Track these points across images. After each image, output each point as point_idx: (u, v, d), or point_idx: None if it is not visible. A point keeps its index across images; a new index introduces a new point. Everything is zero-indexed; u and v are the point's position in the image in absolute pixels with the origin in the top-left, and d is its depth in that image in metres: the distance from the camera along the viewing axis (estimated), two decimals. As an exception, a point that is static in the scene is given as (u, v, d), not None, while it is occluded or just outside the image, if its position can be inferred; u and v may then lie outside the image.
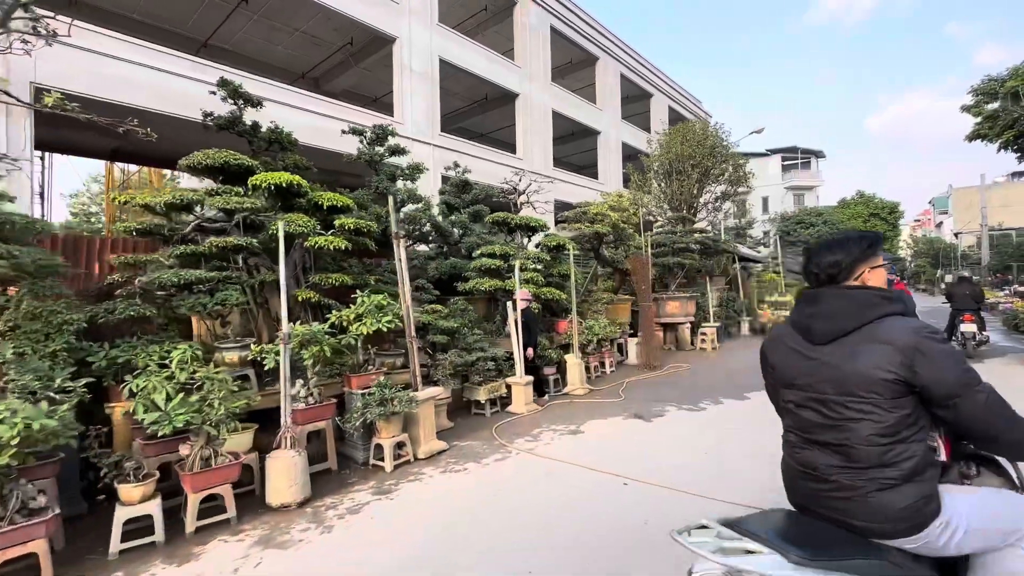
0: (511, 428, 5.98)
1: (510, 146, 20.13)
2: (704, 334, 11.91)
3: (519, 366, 6.72)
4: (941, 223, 58.03)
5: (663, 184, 14.60)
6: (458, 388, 6.65)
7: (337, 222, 5.50)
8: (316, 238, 5.17)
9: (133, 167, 19.52)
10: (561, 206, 10.48)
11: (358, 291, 5.22)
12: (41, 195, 14.87)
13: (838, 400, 1.59)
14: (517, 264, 7.02)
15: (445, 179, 11.58)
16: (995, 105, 24.46)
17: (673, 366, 9.73)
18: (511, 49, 19.65)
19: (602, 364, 9.28)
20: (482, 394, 6.38)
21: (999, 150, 24.51)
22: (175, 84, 10.38)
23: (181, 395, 3.57)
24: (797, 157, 43.59)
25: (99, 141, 13.12)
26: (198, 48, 15.75)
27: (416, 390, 5.13)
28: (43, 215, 14.58)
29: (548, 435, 5.67)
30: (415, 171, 9.00)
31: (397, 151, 8.82)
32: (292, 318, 5.36)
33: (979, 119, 24.89)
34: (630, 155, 25.24)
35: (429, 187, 12.04)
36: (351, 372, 5.13)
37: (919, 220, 71.53)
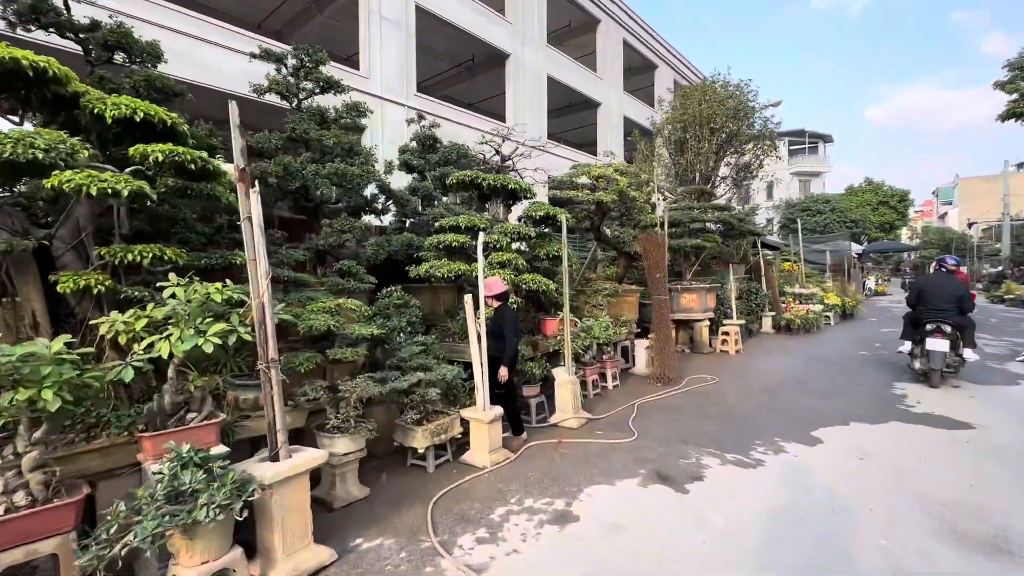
0: (461, 503, 3.62)
1: (501, 118, 17.54)
2: (726, 333, 9.57)
3: (481, 392, 4.35)
4: (945, 214, 55.76)
5: (675, 155, 12.14)
6: (382, 431, 4.28)
7: (137, 150, 3.03)
8: (89, 180, 2.71)
9: None
10: (556, 187, 8.32)
11: (174, 276, 2.80)
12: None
13: None
14: (481, 239, 4.58)
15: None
16: (1032, 81, 22.05)
17: (694, 378, 7.39)
18: (502, 8, 16.96)
19: (602, 376, 6.93)
20: (419, 439, 4.01)
21: (1035, 130, 22.12)
22: None
23: None
24: (805, 141, 41.01)
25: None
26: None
27: (275, 455, 2.76)
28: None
29: (519, 523, 3.31)
30: (354, 113, 6.53)
31: (330, 86, 6.33)
32: (70, 317, 2.97)
33: (1015, 96, 22.53)
34: (631, 139, 22.70)
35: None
36: (148, 427, 2.74)
37: (920, 211, 69.23)
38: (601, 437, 4.99)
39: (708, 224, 10.62)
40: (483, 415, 4.28)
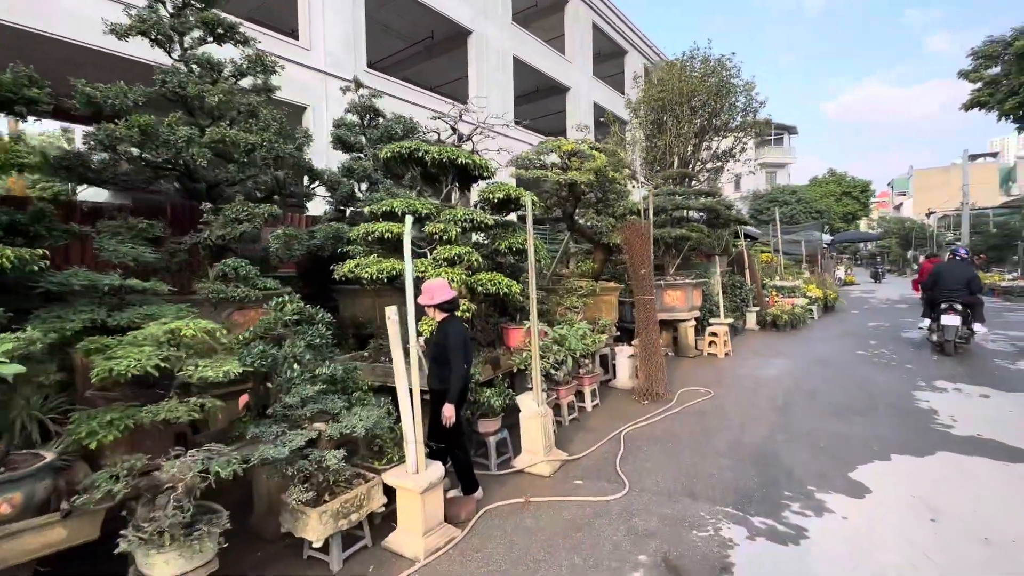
0: (369, 638, 2.27)
1: (463, 102, 16.03)
2: (714, 334, 8.45)
3: (412, 448, 2.98)
4: (901, 204, 57.12)
5: (652, 137, 10.94)
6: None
7: None
8: None
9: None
10: (521, 166, 7.01)
11: None
12: None
13: None
14: (408, 226, 3.17)
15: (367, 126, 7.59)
16: (996, 70, 21.91)
17: (686, 391, 6.21)
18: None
19: (579, 395, 5.67)
20: (314, 527, 2.61)
21: (1000, 118, 22.02)
22: None
23: None
24: (771, 132, 40.82)
25: None
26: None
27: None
28: None
29: None
30: (258, 68, 5.00)
31: (227, 32, 4.78)
32: None
33: (978, 85, 22.34)
34: (603, 123, 21.53)
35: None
36: None
37: (876, 202, 71.05)
38: (582, 490, 3.70)
39: (691, 212, 9.48)
40: (414, 481, 2.92)
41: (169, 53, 4.70)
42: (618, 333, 7.35)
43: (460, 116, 8.36)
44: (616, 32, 22.64)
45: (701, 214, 9.75)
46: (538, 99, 21.08)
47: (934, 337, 8.15)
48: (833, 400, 5.74)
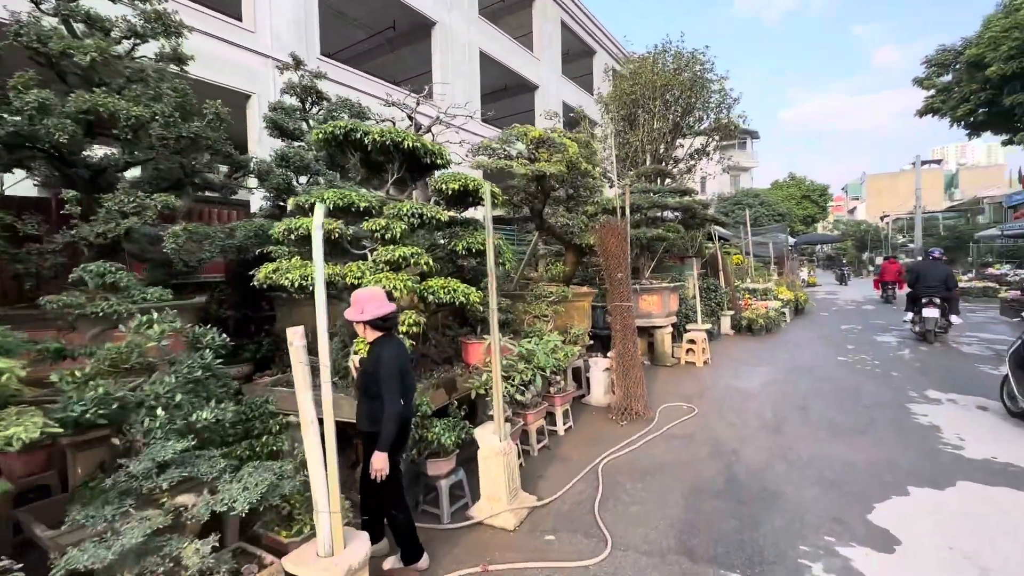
0: None
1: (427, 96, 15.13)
2: (692, 342, 7.88)
3: (324, 522, 2.17)
4: (854, 208, 59.21)
5: (624, 133, 10.36)
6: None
7: None
8: None
9: None
10: (485, 154, 6.25)
11: None
12: None
13: None
14: (320, 215, 2.36)
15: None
16: (948, 78, 22.53)
17: (667, 408, 5.56)
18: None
19: (550, 417, 4.93)
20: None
21: (952, 125, 22.62)
22: None
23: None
24: (737, 136, 41.52)
25: None
26: None
27: None
28: None
29: None
30: (156, 30, 4.07)
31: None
32: None
33: (932, 92, 22.94)
34: (572, 123, 20.99)
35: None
36: None
37: (832, 205, 73.56)
38: (554, 549, 2.95)
39: (666, 212, 8.92)
40: (326, 569, 2.10)
41: (38, 5, 3.72)
42: (591, 342, 6.67)
43: (418, 103, 7.54)
44: (585, 31, 22.19)
45: (676, 214, 9.21)
46: (506, 97, 20.36)
47: (916, 328, 9.10)
48: (827, 416, 5.19)
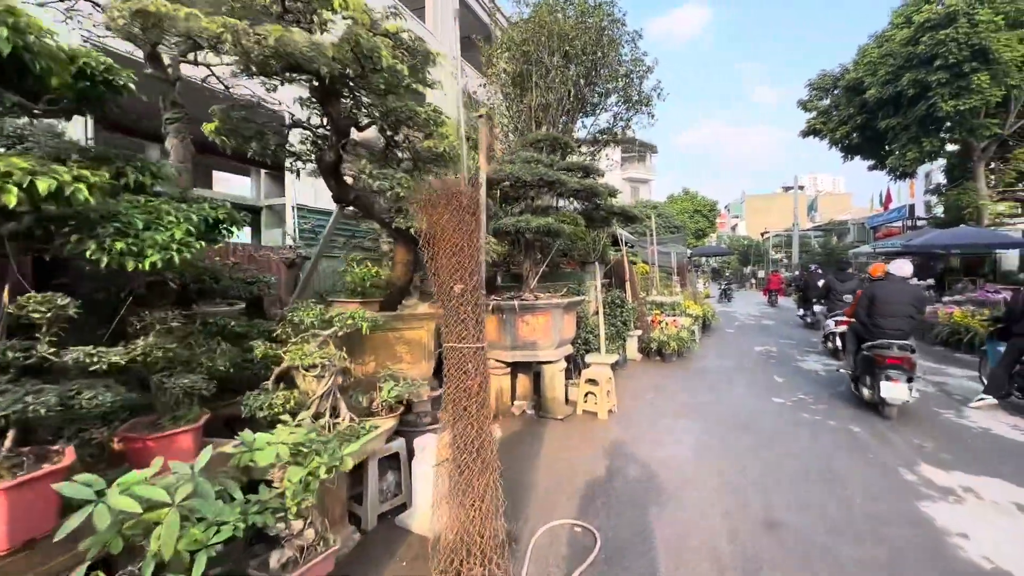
0: None
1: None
2: (594, 382, 5.43)
3: None
4: (736, 225, 63.61)
5: (514, 98, 7.84)
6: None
7: None
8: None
9: None
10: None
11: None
12: None
13: None
14: None
15: None
16: (827, 101, 23.43)
17: (550, 537, 2.97)
18: None
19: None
20: None
21: (831, 147, 23.51)
22: None
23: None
24: (635, 149, 41.72)
25: None
26: None
27: None
28: None
29: None
30: None
31: None
32: None
33: (813, 114, 23.76)
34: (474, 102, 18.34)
35: None
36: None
37: (718, 222, 79.02)
38: None
39: (562, 203, 6.48)
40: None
41: None
42: (437, 391, 3.89)
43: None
44: (484, 11, 19.73)
45: (576, 204, 6.81)
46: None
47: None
48: (819, 543, 2.89)
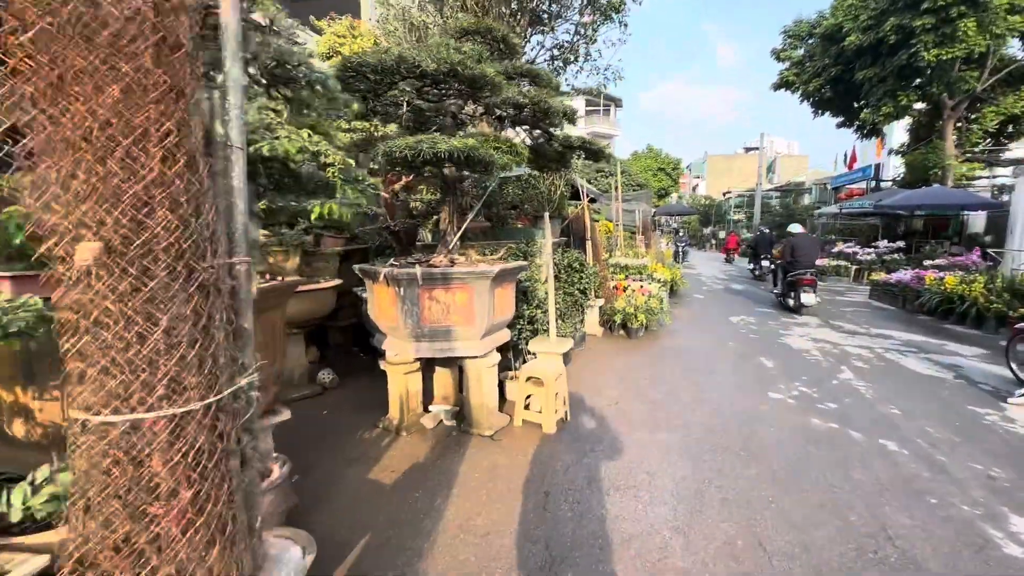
0: None
1: None
2: (538, 381, 3.83)
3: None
4: (697, 185, 63.00)
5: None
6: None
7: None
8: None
9: None
10: None
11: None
12: None
13: None
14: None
15: None
16: (801, 51, 21.91)
17: None
18: None
19: None
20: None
21: (802, 100, 22.20)
22: None
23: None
24: (599, 103, 39.41)
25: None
26: None
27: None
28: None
29: None
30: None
31: None
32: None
33: (787, 64, 22.24)
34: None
35: None
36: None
37: (680, 182, 78.46)
38: None
39: (500, 108, 4.64)
40: None
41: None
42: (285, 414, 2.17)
43: None
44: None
45: (524, 137, 4.96)
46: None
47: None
48: None
